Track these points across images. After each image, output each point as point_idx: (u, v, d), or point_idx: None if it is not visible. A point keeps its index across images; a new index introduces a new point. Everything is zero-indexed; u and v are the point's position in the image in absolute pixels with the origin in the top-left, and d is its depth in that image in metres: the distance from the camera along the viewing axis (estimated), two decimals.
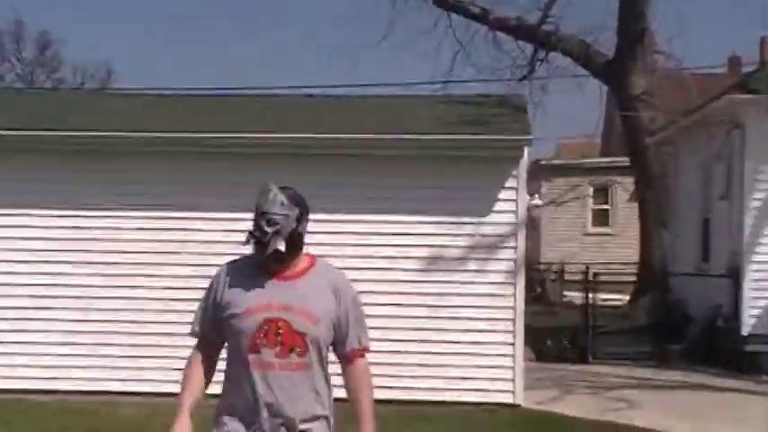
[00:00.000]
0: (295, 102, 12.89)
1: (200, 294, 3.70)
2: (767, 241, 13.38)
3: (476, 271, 10.36)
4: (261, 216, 3.49)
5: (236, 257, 3.69)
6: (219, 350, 3.65)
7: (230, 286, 3.57)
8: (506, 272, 10.37)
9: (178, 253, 10.41)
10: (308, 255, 3.65)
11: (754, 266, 13.37)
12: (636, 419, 9.64)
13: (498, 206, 10.36)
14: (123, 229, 10.45)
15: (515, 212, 10.39)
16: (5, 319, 10.43)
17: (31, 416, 9.29)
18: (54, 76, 41.23)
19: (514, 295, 10.33)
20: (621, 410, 10.17)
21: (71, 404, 9.76)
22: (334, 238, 10.28)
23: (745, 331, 13.23)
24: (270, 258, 3.50)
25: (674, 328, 14.32)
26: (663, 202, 19.32)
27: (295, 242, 3.53)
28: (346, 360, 3.65)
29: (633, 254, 21.87)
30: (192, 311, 3.75)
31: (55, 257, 10.45)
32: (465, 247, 10.39)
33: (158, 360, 10.17)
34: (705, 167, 15.67)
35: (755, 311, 13.25)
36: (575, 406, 10.34)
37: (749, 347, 13.10)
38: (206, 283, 3.70)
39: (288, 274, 3.56)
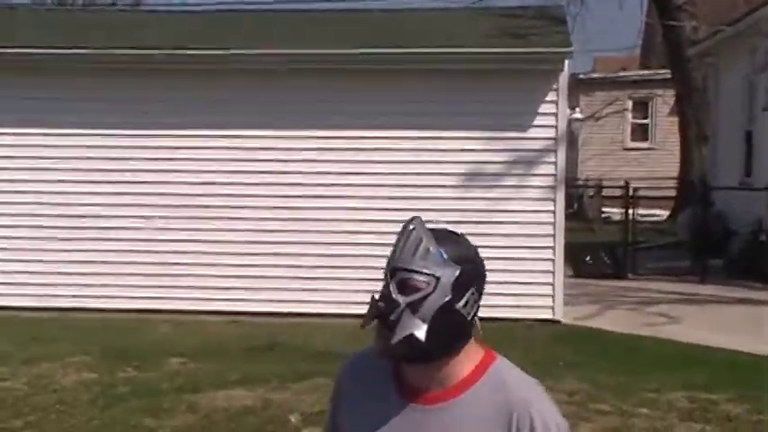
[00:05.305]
0: (332, 16, 12.72)
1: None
2: None
3: (515, 186, 10.26)
4: (390, 273, 2.03)
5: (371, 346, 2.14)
6: None
7: (347, 403, 2.20)
8: (546, 187, 10.25)
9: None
10: (480, 350, 2.12)
11: None
12: (678, 334, 9.59)
13: (538, 120, 10.19)
14: (149, 148, 10.43)
15: (555, 127, 10.22)
16: (56, 239, 10.52)
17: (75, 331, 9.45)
18: None
19: (554, 211, 10.24)
20: (661, 325, 10.12)
21: (113, 321, 9.93)
22: (372, 155, 10.25)
23: None
24: (397, 352, 2.02)
25: (714, 242, 14.15)
26: (704, 115, 19.02)
27: (450, 330, 2.03)
28: None
29: (673, 169, 21.66)
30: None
31: (87, 177, 10.48)
32: (505, 162, 10.27)
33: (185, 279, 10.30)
34: (748, 78, 15.30)
35: None
36: (614, 321, 10.31)
37: None
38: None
39: (434, 392, 2.06)
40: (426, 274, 1.99)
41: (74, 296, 10.43)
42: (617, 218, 17.14)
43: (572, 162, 21.22)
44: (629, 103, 27.54)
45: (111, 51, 10.42)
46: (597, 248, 14.05)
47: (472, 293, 2.04)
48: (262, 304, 10.27)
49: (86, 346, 8.79)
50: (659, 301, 11.65)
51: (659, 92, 26.14)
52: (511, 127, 10.21)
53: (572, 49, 10.34)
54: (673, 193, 19.63)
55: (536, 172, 10.25)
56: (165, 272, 10.37)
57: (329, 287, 10.23)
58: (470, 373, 2.06)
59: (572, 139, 22.43)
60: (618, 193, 16.70)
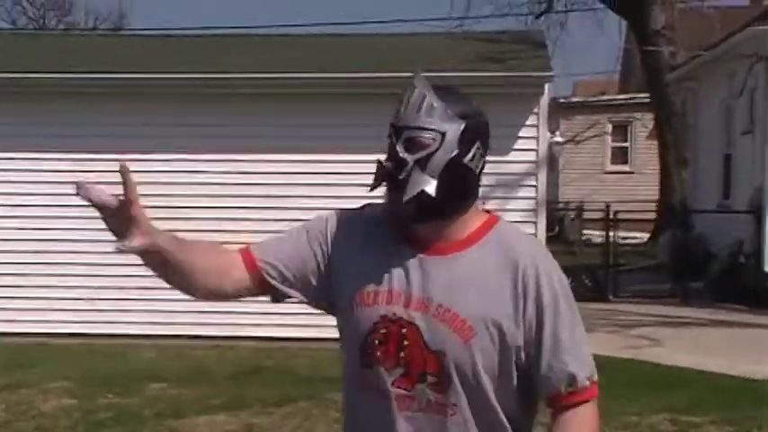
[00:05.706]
0: (309, 41, 12.76)
1: None
2: None
3: (497, 210, 10.27)
4: (396, 133, 2.05)
5: (367, 204, 2.23)
6: (255, 289, 2.22)
7: (343, 247, 2.14)
8: (527, 210, 10.29)
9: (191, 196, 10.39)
10: (484, 211, 2.16)
11: None
12: (660, 357, 9.61)
13: (519, 144, 10.25)
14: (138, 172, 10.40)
15: (536, 150, 10.28)
16: (38, 263, 10.45)
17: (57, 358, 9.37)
18: (65, 20, 40.91)
19: (535, 234, 10.23)
20: (643, 348, 10.15)
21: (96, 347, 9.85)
22: (348, 179, 10.25)
23: (767, 267, 13.14)
24: (408, 211, 2.02)
25: (695, 265, 14.24)
26: (683, 139, 19.18)
27: (459, 184, 2.05)
28: (550, 406, 2.11)
29: (653, 192, 21.79)
30: None
31: (70, 201, 10.41)
32: (486, 186, 10.22)
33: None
34: (727, 102, 15.45)
35: None
36: (597, 344, 10.25)
37: None
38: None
39: (441, 244, 2.08)
40: (432, 129, 2.01)
41: (55, 321, 10.34)
42: (598, 240, 17.21)
43: (553, 185, 21.32)
44: (609, 127, 27.73)
45: (90, 76, 10.42)
46: (578, 271, 14.09)
47: (478, 147, 2.07)
48: (246, 329, 10.22)
49: (67, 371, 8.71)
50: (640, 324, 11.68)
51: (638, 115, 26.34)
52: (492, 151, 10.02)
53: (552, 73, 10.43)
54: (653, 215, 19.73)
55: (517, 195, 10.29)
56: (148, 296, 10.30)
57: (311, 311, 10.17)
58: (477, 229, 2.10)
59: (552, 163, 22.54)
60: (598, 215, 16.79)
